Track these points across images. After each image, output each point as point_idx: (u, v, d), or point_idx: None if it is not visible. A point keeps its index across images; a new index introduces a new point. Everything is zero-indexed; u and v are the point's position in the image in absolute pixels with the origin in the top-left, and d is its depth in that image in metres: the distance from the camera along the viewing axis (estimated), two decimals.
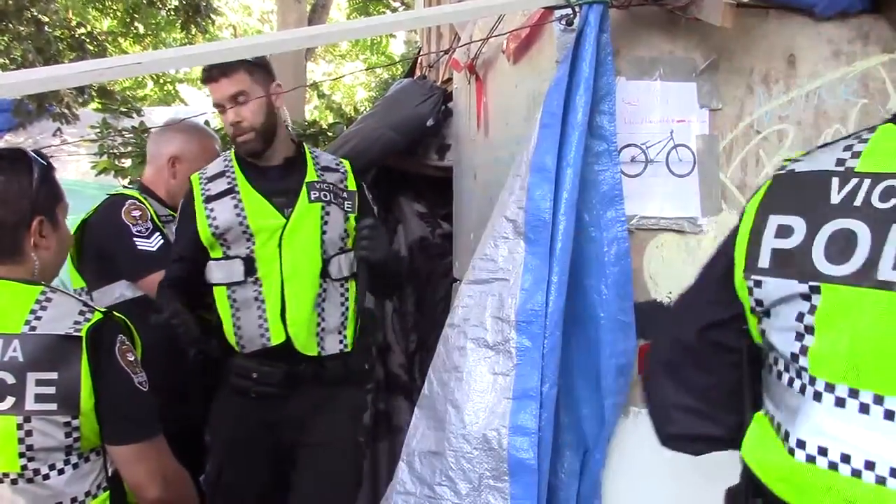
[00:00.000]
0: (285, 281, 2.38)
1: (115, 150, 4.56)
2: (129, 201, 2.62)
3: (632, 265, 1.91)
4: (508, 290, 1.85)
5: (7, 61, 8.21)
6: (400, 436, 3.34)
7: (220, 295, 2.42)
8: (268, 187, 2.43)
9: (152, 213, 2.64)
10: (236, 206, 2.41)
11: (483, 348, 1.87)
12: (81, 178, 7.68)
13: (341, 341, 2.45)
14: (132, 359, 1.68)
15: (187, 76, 18.20)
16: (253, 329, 2.38)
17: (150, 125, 4.54)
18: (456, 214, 3.17)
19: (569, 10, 1.89)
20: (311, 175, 2.47)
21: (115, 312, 1.70)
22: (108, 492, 1.68)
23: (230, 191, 2.44)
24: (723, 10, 1.80)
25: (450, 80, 3.38)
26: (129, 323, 1.72)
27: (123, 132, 4.54)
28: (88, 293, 2.60)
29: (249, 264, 2.40)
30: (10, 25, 8.10)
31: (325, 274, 2.42)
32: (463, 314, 1.93)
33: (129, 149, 4.47)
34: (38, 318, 1.60)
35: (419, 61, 4.22)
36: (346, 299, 2.47)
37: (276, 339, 2.37)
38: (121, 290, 2.58)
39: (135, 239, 2.54)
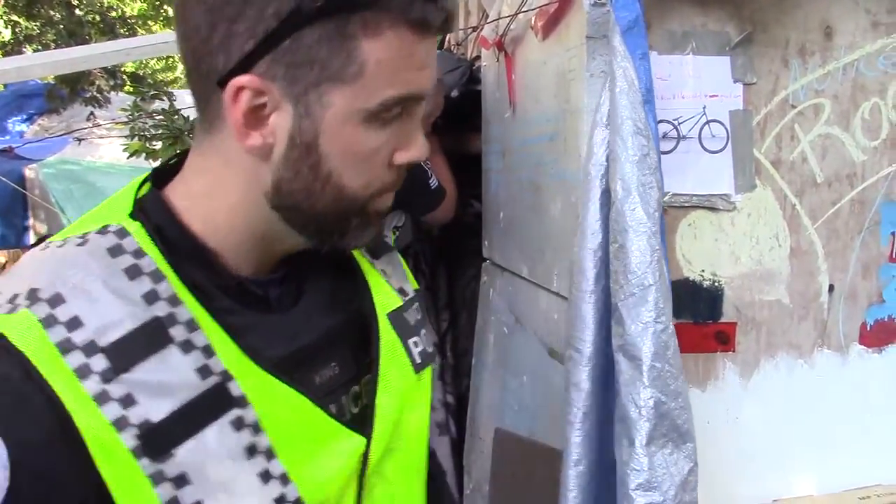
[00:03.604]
0: None
1: (146, 133, 4.60)
2: None
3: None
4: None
5: (40, 46, 8.30)
6: (430, 413, 3.36)
7: None
8: (283, 348, 0.90)
9: None
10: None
11: None
12: (115, 161, 7.79)
13: None
14: None
15: None
16: None
17: (179, 107, 4.55)
18: (485, 194, 3.15)
19: None
20: (381, 292, 1.03)
21: None
22: None
23: (227, 402, 0.81)
24: None
25: (478, 57, 3.35)
26: None
27: (154, 115, 4.58)
28: None
29: None
30: (42, 10, 8.17)
31: None
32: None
33: (160, 131, 4.49)
34: None
35: (447, 39, 4.18)
36: None
37: None
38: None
39: (429, 181, 2.71)
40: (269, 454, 0.81)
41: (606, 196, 1.80)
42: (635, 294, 1.75)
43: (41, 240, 0.86)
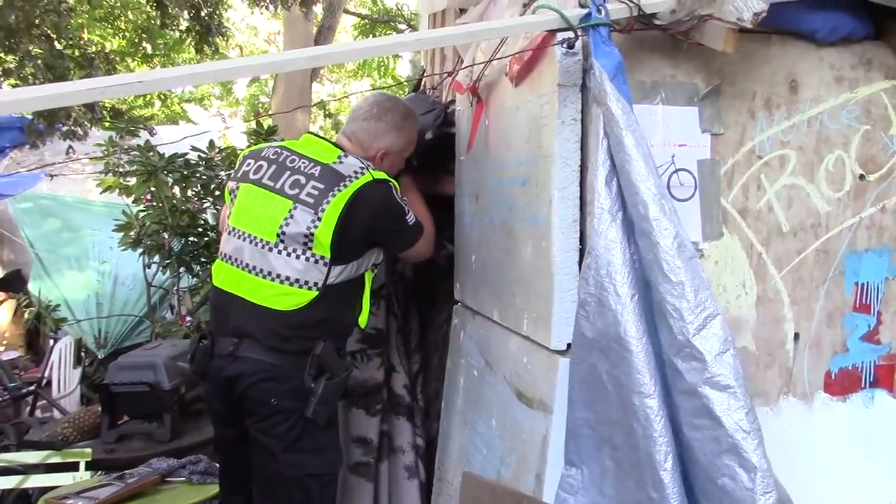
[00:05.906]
0: None
1: (121, 169, 4.58)
2: (393, 184, 2.62)
3: None
4: None
5: (18, 80, 8.26)
6: (399, 456, 3.33)
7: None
8: None
9: None
10: None
11: None
12: (87, 196, 7.75)
13: None
14: None
15: (193, 95, 18.33)
16: None
17: (156, 144, 4.55)
18: (457, 236, 3.17)
19: (570, 34, 1.89)
20: None
21: None
22: None
23: None
24: (725, 36, 1.81)
25: (452, 101, 3.38)
26: None
27: (129, 151, 4.56)
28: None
29: None
30: (21, 44, 8.15)
31: None
32: None
33: (135, 167, 4.48)
34: None
35: (423, 82, 4.23)
36: None
37: None
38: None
39: (406, 217, 2.63)
40: None
41: (631, 241, 1.80)
42: (706, 325, 1.74)
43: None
